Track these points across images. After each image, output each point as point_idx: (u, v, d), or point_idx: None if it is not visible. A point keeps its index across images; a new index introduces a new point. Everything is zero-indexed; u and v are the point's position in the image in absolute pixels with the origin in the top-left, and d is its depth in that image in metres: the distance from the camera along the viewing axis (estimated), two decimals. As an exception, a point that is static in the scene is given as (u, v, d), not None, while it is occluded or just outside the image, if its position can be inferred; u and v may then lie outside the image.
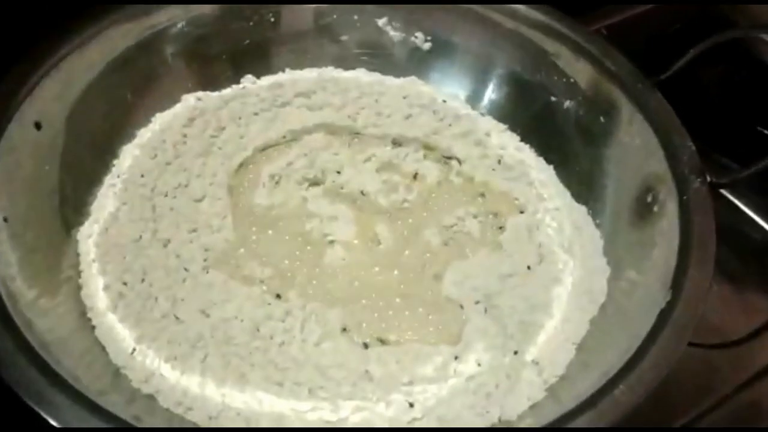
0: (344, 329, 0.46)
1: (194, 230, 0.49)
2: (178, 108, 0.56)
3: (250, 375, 0.42)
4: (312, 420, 0.41)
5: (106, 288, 0.45)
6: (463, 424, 0.41)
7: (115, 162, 0.52)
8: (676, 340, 0.39)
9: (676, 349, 0.38)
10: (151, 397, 0.41)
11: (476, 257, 0.50)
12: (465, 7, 0.59)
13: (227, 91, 0.58)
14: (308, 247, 0.50)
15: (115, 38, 0.52)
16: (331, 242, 0.50)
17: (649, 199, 0.48)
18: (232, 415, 0.41)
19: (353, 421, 0.41)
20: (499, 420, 0.41)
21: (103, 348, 0.43)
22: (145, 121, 0.55)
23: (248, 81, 0.58)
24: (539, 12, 0.56)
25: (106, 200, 0.50)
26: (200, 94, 0.57)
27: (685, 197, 0.45)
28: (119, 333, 0.43)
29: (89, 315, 0.44)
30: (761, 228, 0.61)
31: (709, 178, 0.47)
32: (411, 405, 0.42)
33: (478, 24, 0.58)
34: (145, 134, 0.54)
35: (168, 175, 0.52)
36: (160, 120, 0.55)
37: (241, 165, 0.54)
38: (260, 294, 0.46)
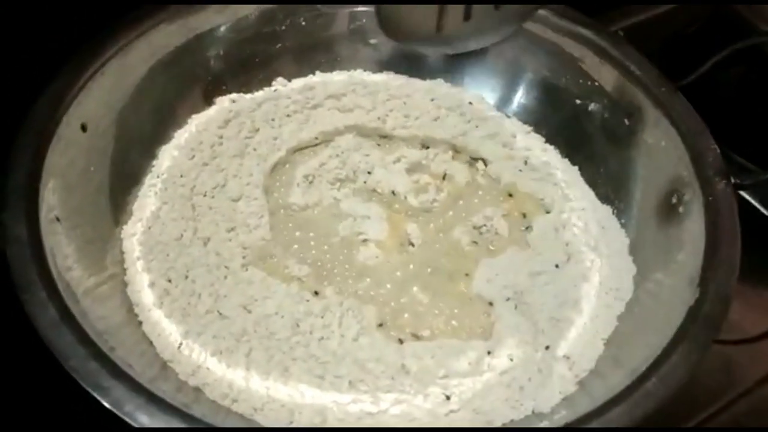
0: (380, 325, 0.47)
1: (232, 229, 0.51)
2: (213, 110, 0.57)
3: (293, 368, 0.44)
4: (353, 412, 0.42)
5: (152, 285, 0.47)
6: (498, 416, 0.42)
7: (154, 163, 0.54)
8: (705, 336, 0.40)
9: (705, 345, 0.40)
10: (197, 389, 0.43)
11: (505, 256, 0.51)
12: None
13: (260, 94, 0.59)
14: (342, 246, 0.51)
15: (159, 41, 0.53)
16: (365, 241, 0.52)
17: (674, 200, 0.50)
18: (277, 407, 0.42)
19: (393, 413, 0.42)
20: (533, 412, 0.43)
21: (151, 342, 0.44)
22: (182, 122, 0.56)
23: (280, 84, 0.60)
24: (565, 17, 0.58)
25: (147, 200, 0.52)
26: (234, 96, 0.58)
27: (710, 198, 0.47)
28: (165, 328, 0.45)
29: (136, 311, 0.46)
30: (778, 228, 0.63)
31: (732, 180, 0.48)
32: (447, 398, 0.43)
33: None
34: (182, 135, 0.55)
35: (206, 176, 0.53)
36: (196, 121, 0.56)
37: (275, 165, 0.55)
38: (298, 291, 0.48)
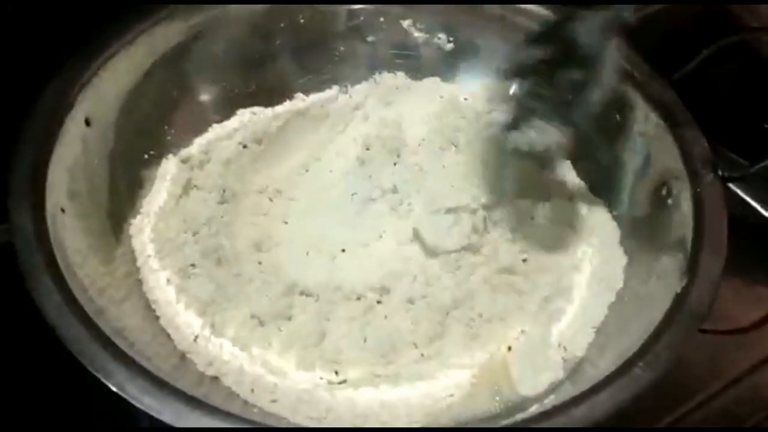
0: (385, 317, 0.48)
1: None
2: (233, 122, 0.59)
3: (309, 358, 0.45)
4: (361, 400, 0.44)
5: (167, 281, 0.48)
6: (490, 399, 0.44)
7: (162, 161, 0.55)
8: (691, 322, 0.41)
9: (691, 331, 0.41)
10: (215, 379, 0.44)
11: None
12: (485, 10, 0.61)
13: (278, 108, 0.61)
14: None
15: (161, 38, 0.54)
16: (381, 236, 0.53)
17: (664, 191, 0.51)
18: (292, 397, 0.43)
19: (395, 396, 0.44)
20: (524, 397, 0.44)
21: (169, 335, 0.46)
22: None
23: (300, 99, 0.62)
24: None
25: (158, 195, 0.53)
26: (255, 109, 0.60)
27: (698, 190, 0.48)
28: (183, 322, 0.46)
29: (153, 306, 0.47)
30: (770, 221, 0.64)
31: (720, 172, 0.49)
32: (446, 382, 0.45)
33: (497, 25, 0.61)
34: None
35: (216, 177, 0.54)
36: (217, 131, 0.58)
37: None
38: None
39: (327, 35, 0.62)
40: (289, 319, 0.47)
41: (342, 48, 0.63)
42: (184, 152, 0.56)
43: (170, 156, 0.55)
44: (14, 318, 0.46)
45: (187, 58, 0.57)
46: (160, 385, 0.36)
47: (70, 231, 0.44)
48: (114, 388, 0.36)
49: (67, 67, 0.49)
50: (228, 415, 0.36)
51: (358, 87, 0.63)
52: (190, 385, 0.38)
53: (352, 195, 0.54)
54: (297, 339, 0.46)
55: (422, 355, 0.46)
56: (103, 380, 0.36)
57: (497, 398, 0.44)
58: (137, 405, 0.36)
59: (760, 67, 0.67)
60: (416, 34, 0.63)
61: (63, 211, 0.44)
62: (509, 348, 0.47)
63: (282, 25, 0.60)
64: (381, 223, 0.53)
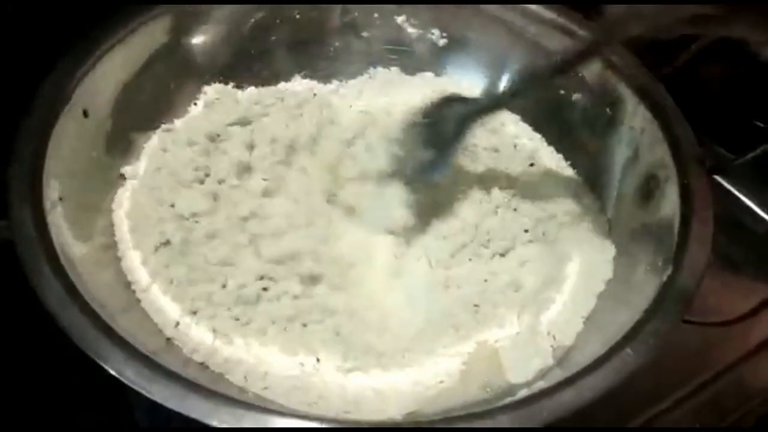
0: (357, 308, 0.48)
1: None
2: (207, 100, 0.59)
3: (290, 344, 0.46)
4: (351, 386, 0.44)
5: (144, 262, 0.48)
6: (480, 386, 0.45)
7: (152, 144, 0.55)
8: (677, 309, 0.42)
9: (677, 317, 0.42)
10: (202, 365, 0.44)
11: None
12: (478, 7, 0.62)
13: (262, 90, 0.61)
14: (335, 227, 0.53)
15: (157, 32, 0.55)
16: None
17: (652, 184, 0.51)
18: (284, 383, 0.44)
19: (385, 383, 0.45)
20: (510, 384, 0.45)
21: (152, 320, 0.46)
22: (178, 110, 0.58)
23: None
24: (549, 11, 0.60)
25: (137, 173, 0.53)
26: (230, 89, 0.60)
27: (685, 182, 0.48)
28: (163, 306, 0.46)
29: (133, 288, 0.47)
30: (758, 216, 0.65)
31: (707, 165, 0.50)
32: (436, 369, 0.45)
33: (491, 22, 0.62)
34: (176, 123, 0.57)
35: (200, 159, 0.54)
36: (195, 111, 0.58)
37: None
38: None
39: (322, 31, 0.63)
40: (255, 303, 0.47)
41: (337, 43, 0.63)
42: (166, 126, 0.56)
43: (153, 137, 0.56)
44: (15, 315, 0.46)
45: (185, 52, 0.57)
46: (166, 374, 0.36)
47: (67, 224, 0.45)
48: (126, 382, 0.36)
49: (65, 59, 0.50)
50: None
51: (352, 82, 0.64)
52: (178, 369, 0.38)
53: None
54: (268, 325, 0.46)
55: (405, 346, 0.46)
56: (109, 371, 0.36)
57: (487, 388, 0.44)
58: (147, 395, 0.35)
59: (747, 63, 0.68)
60: (410, 29, 0.64)
61: (61, 199, 0.45)
62: (496, 341, 0.47)
63: (278, 20, 0.61)
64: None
